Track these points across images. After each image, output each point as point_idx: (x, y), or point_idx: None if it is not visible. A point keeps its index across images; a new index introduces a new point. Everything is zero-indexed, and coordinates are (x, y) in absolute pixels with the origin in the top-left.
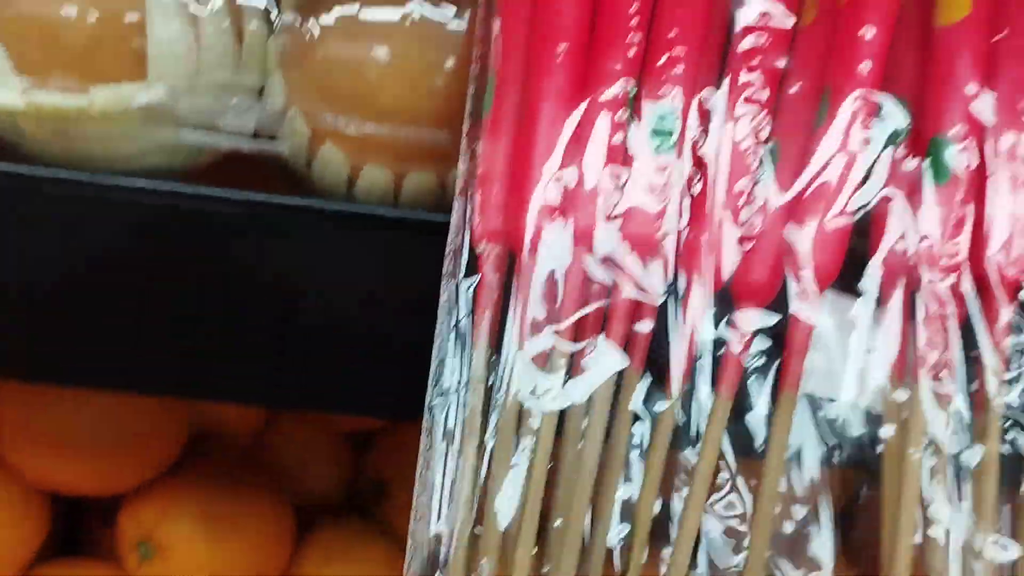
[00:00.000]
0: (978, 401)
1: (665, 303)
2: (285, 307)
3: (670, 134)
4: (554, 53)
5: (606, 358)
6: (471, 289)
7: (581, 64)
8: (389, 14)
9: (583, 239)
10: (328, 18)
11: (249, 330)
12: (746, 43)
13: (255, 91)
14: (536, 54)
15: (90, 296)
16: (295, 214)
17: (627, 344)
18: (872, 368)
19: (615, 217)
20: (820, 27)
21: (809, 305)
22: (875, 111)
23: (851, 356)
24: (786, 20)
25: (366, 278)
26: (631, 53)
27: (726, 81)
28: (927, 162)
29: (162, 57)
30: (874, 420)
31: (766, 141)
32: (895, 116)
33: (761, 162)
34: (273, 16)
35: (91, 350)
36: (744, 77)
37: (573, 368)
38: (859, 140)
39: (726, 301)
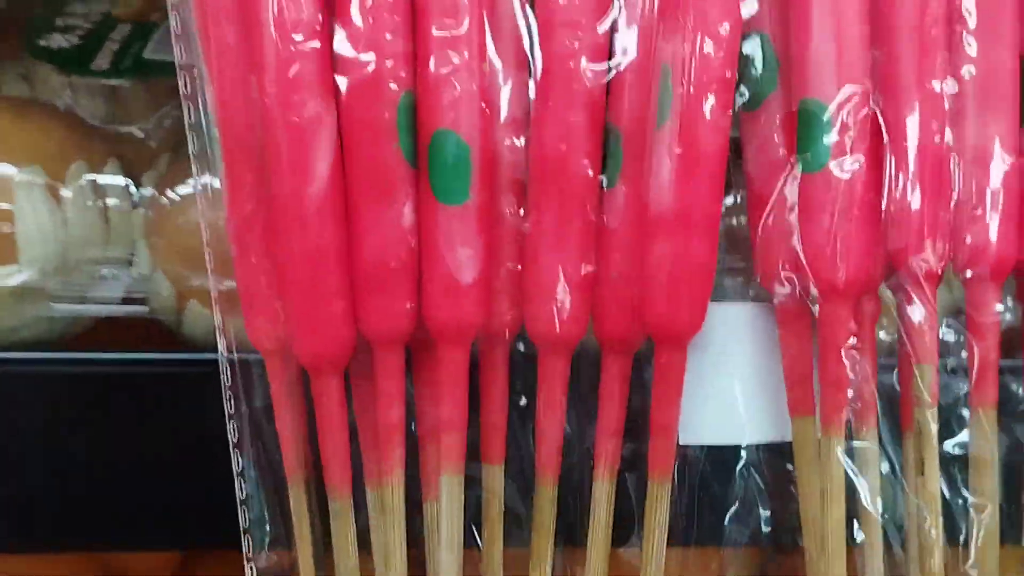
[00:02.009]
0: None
1: None
2: (177, 455)
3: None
4: None
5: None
6: None
7: None
8: None
9: None
10: (185, 187)
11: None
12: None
13: (122, 261)
14: None
15: None
16: (169, 367)
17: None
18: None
19: None
20: None
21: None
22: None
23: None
24: None
25: None
26: None
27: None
28: (798, 144)
29: (31, 241)
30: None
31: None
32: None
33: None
34: (133, 191)
35: None
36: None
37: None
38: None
39: None
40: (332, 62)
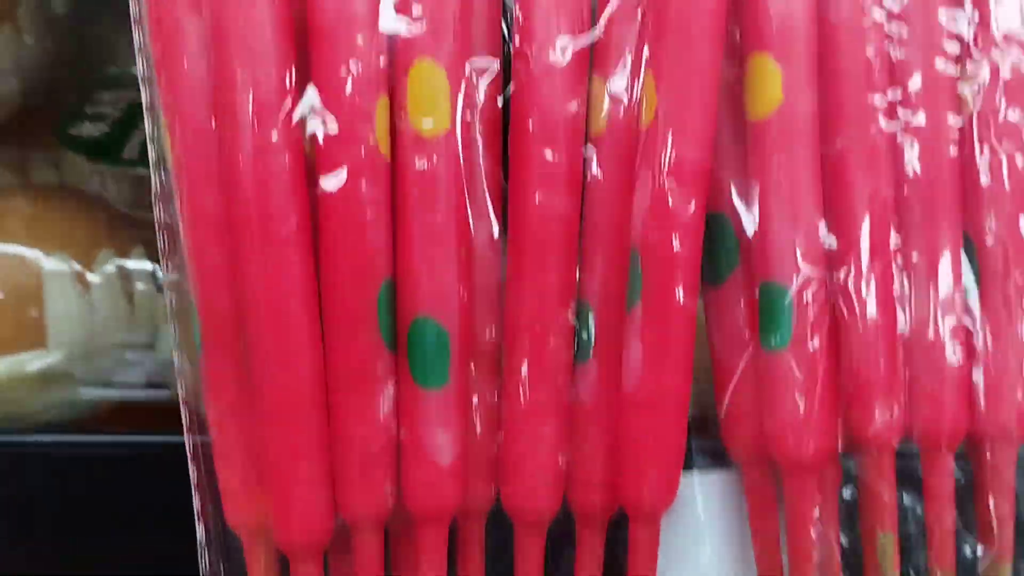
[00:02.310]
0: None
1: None
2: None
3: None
4: None
5: None
6: None
7: None
8: None
9: None
10: None
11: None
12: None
13: (146, 345)
14: None
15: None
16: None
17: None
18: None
19: None
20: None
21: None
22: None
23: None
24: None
25: None
26: None
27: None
28: (760, 324)
29: (59, 326)
30: None
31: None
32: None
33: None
34: (159, 275)
35: None
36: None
37: None
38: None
39: None
40: (315, 253)
